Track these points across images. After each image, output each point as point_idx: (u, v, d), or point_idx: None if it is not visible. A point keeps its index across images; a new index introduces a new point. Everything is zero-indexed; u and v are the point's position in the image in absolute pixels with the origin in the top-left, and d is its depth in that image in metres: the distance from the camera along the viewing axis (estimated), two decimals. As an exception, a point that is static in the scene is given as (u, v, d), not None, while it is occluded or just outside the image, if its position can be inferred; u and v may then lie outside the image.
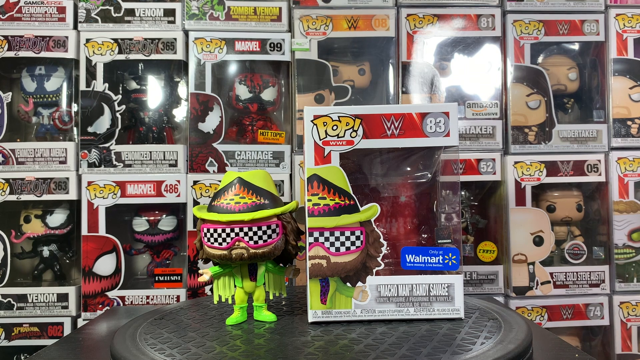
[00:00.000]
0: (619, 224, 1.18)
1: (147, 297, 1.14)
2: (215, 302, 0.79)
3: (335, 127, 0.76)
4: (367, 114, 0.76)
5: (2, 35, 1.15)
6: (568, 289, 1.17)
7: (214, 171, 1.15)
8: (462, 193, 1.22)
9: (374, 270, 0.76)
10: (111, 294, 1.13)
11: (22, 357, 1.15)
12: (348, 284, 0.76)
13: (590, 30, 1.21)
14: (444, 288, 0.76)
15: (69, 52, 1.16)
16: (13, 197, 1.13)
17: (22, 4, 1.16)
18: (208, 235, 0.75)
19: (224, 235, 0.74)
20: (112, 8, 1.17)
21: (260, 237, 0.75)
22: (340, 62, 1.23)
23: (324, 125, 0.76)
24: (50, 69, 1.19)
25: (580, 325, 1.19)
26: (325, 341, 0.68)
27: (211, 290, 0.87)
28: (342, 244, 0.75)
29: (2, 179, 1.14)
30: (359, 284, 0.76)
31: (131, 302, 1.14)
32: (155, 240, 1.19)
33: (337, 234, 0.75)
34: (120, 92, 1.18)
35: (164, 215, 1.19)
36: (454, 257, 0.76)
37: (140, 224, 1.19)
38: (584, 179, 1.19)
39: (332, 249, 0.75)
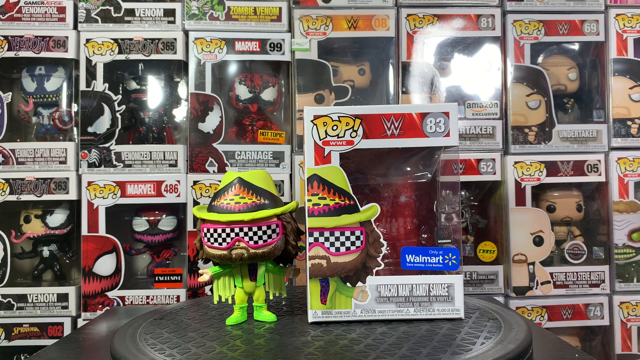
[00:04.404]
0: (619, 224, 1.18)
1: (147, 297, 1.14)
2: (215, 302, 0.79)
3: (335, 127, 0.76)
4: (367, 114, 0.76)
5: (2, 35, 1.15)
6: (568, 289, 1.17)
7: (214, 171, 1.15)
8: (462, 193, 1.22)
9: (374, 270, 0.76)
10: (111, 294, 1.13)
11: (22, 357, 1.15)
12: (348, 284, 0.76)
13: (590, 30, 1.21)
14: (444, 288, 0.76)
15: (69, 52, 1.16)
16: (13, 197, 1.13)
17: (22, 4, 1.16)
18: (208, 235, 0.75)
19: (224, 235, 0.74)
20: (112, 8, 1.17)
21: (260, 237, 0.75)
22: (340, 62, 1.23)
23: (324, 125, 0.76)
24: (50, 69, 1.19)
25: (580, 325, 1.19)
26: (325, 341, 0.68)
27: (211, 290, 0.87)
28: (342, 244, 0.75)
29: (2, 179, 1.14)
30: (359, 284, 0.76)
31: (131, 302, 1.14)
32: (155, 240, 1.19)
33: (337, 234, 0.75)
34: (120, 92, 1.18)
35: (164, 215, 1.19)
36: (454, 257, 0.76)
37: (140, 224, 1.19)
38: (584, 179, 1.19)
39: (332, 249, 0.75)
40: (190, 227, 1.15)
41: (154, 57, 1.17)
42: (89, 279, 1.13)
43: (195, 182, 1.14)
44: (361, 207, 0.75)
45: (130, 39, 1.16)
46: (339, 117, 0.76)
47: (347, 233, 0.75)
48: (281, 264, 0.82)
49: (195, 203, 1.13)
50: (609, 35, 1.21)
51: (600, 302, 1.18)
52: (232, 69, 1.21)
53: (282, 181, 1.15)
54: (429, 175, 0.83)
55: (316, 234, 0.75)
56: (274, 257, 0.78)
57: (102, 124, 1.16)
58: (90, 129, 1.15)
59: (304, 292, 0.97)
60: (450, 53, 1.21)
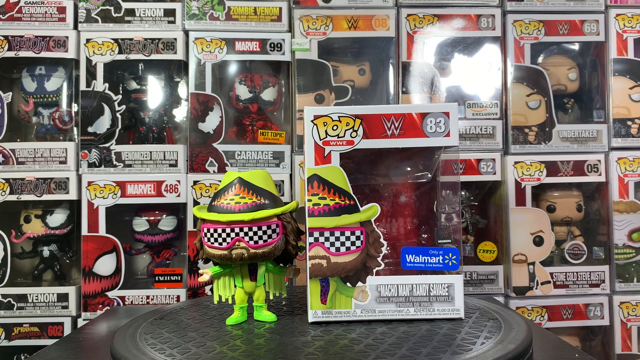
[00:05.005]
0: (619, 224, 1.18)
1: (147, 297, 1.14)
2: (215, 302, 0.79)
3: (335, 127, 0.76)
4: (367, 114, 0.76)
5: (2, 35, 1.15)
6: (568, 289, 1.17)
7: (214, 171, 1.15)
8: (462, 193, 1.22)
9: (374, 270, 0.76)
10: (111, 294, 1.13)
11: (22, 357, 1.15)
12: (348, 284, 0.76)
13: (590, 30, 1.21)
14: (444, 288, 0.76)
15: (69, 52, 1.16)
16: (13, 197, 1.13)
17: (22, 4, 1.16)
18: (208, 235, 0.75)
19: (224, 235, 0.74)
20: (112, 8, 1.17)
21: (260, 237, 0.75)
22: (340, 62, 1.23)
23: (324, 125, 0.76)
24: (51, 69, 1.19)
25: (580, 325, 1.19)
26: (325, 341, 0.68)
27: (211, 290, 0.87)
28: (342, 244, 0.75)
29: (2, 179, 1.14)
30: (359, 284, 0.76)
31: (131, 302, 1.14)
32: (155, 240, 1.19)
33: (337, 234, 0.75)
34: (121, 92, 1.19)
35: (164, 215, 1.19)
36: (454, 257, 0.76)
37: (140, 224, 1.19)
38: (584, 179, 1.19)
39: (332, 249, 0.75)
40: (190, 227, 1.15)
41: (154, 57, 1.17)
42: (89, 279, 1.13)
43: (195, 182, 1.14)
44: (361, 207, 0.75)
45: (131, 39, 1.16)
46: (339, 117, 0.76)
47: (347, 233, 0.75)
48: (281, 264, 0.82)
49: (196, 203, 1.13)
50: (609, 35, 1.21)
51: (600, 302, 1.18)
52: (232, 69, 1.21)
53: (282, 181, 1.15)
54: (429, 175, 0.83)
55: (316, 234, 0.75)
56: (274, 257, 0.78)
57: (102, 124, 1.16)
58: (90, 129, 1.15)
59: (304, 292, 0.97)
60: (451, 53, 1.21)
